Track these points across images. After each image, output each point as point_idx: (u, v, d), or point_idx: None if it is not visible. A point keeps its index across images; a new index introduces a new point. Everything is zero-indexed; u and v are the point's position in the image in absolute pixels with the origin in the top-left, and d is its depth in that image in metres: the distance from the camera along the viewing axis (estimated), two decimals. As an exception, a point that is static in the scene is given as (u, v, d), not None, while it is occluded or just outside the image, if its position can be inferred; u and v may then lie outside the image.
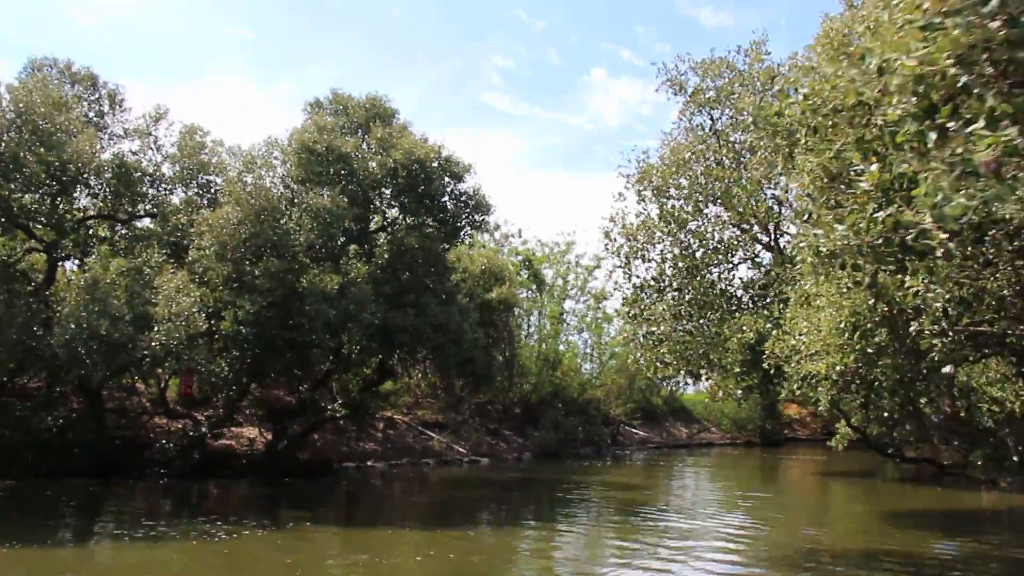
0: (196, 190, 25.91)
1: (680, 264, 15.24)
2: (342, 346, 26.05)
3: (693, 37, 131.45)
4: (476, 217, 26.99)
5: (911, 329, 10.56)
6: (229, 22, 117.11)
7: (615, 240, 16.56)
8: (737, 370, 13.70)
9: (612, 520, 20.33)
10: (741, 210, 15.08)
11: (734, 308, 14.95)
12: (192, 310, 20.50)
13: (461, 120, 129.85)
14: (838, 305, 10.65)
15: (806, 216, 7.31)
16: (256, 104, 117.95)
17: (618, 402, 48.59)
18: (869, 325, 10.37)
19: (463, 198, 26.72)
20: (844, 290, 10.35)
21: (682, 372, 16.10)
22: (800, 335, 12.41)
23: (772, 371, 13.40)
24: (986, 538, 19.83)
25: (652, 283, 15.36)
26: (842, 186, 7.08)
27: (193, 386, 26.06)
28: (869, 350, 10.80)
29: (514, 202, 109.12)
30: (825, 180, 7.17)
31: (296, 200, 24.52)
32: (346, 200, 24.32)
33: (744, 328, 13.69)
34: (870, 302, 10.15)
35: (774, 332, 13.82)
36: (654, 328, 16.10)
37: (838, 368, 11.46)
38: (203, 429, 26.75)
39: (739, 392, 14.14)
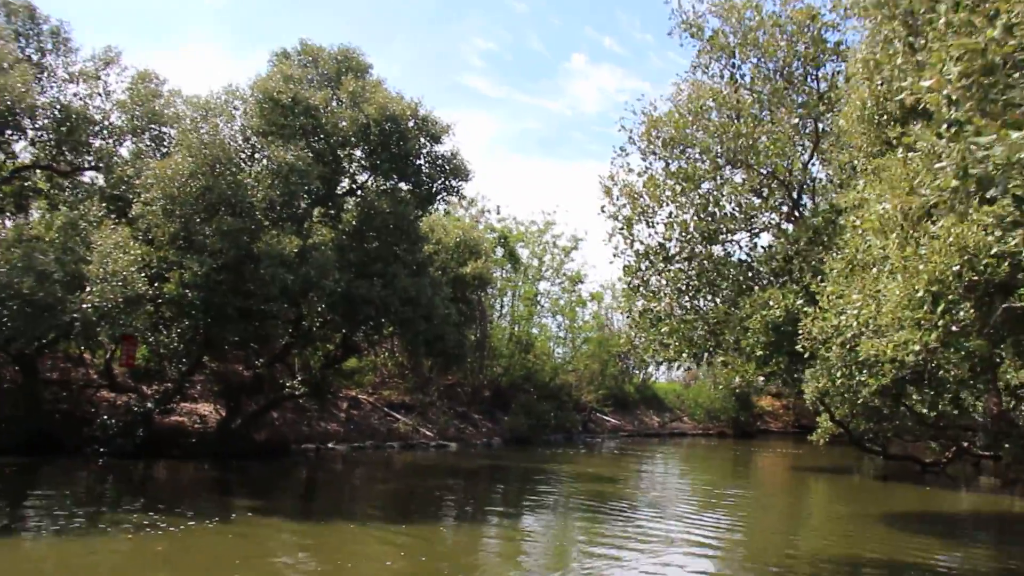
0: (148, 142, 23.14)
1: (692, 230, 12.81)
2: (302, 317, 23.43)
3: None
4: (453, 183, 24.37)
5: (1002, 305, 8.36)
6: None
7: (615, 201, 14.06)
8: (759, 353, 11.31)
9: (583, 519, 18.00)
10: (765, 171, 12.74)
11: (752, 282, 12.61)
12: (130, 269, 17.78)
13: (439, 101, 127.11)
14: (912, 271, 8.39)
15: (946, 125, 5.05)
16: (229, 77, 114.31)
17: (590, 388, 46.33)
18: (952, 296, 8.14)
19: (440, 161, 24.11)
20: (924, 251, 8.11)
21: (684, 355, 13.66)
22: (846, 311, 10.12)
23: (807, 354, 11.01)
24: (977, 544, 17.97)
25: (658, 250, 12.97)
26: (1010, 78, 4.82)
27: (135, 356, 23.20)
28: (953, 327, 8.57)
29: (490, 185, 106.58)
30: (978, 72, 4.90)
31: (256, 154, 21.84)
32: (311, 156, 21.67)
33: (770, 304, 11.29)
34: (954, 268, 7.90)
35: (808, 309, 11.49)
36: (654, 304, 13.73)
37: (914, 347, 9.14)
38: (148, 405, 24.00)
39: (760, 379, 11.76)
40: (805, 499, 25.23)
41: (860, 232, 9.96)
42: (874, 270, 9.59)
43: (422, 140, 23.57)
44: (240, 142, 21.95)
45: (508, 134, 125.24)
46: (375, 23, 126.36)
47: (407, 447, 32.47)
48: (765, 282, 12.29)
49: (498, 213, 40.06)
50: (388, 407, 35.83)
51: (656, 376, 56.65)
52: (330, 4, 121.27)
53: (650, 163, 14.29)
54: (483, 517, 18.68)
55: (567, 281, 44.91)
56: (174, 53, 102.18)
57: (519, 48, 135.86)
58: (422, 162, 23.90)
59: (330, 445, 30.06)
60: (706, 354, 13.34)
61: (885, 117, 9.63)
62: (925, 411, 25.43)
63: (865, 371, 10.74)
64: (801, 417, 54.73)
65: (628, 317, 14.82)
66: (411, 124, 23.42)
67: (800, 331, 10.84)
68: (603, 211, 13.84)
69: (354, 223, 23.44)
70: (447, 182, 24.22)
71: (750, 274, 12.22)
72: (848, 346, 9.84)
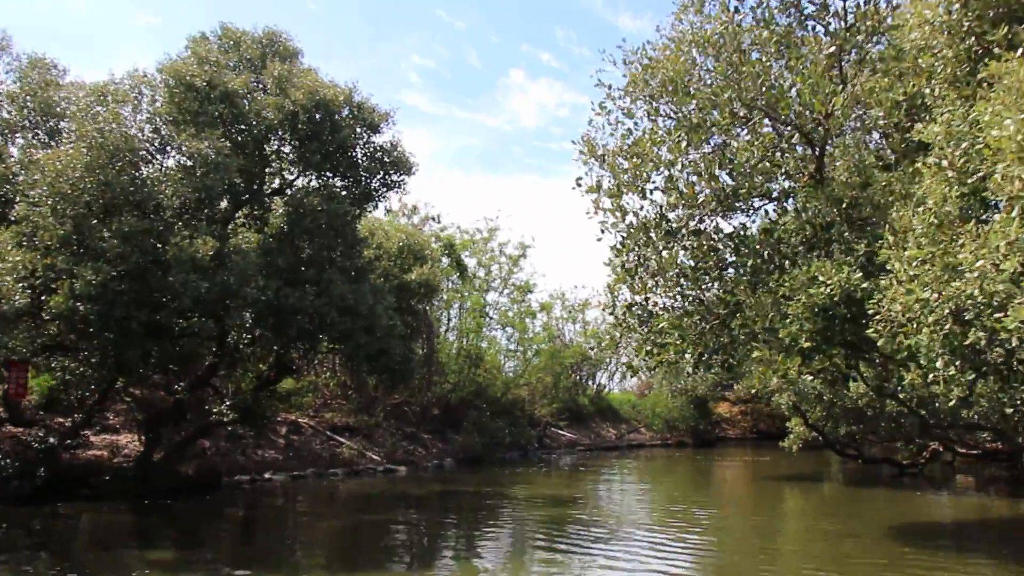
0: (44, 137, 19.71)
1: (701, 196, 9.91)
2: (226, 333, 20.09)
3: (613, 41, 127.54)
4: (394, 177, 21.21)
5: None
6: (138, 8, 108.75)
7: (592, 169, 11.18)
8: (804, 345, 8.48)
9: (544, 558, 14.96)
10: (789, 120, 9.91)
11: (782, 258, 9.77)
12: (7, 279, 14.36)
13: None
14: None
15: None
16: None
17: (543, 402, 43.39)
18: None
19: (378, 153, 20.97)
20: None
21: (687, 356, 10.72)
22: (924, 285, 7.38)
23: (880, 340, 8.19)
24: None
25: (658, 222, 10.16)
26: None
27: (25, 385, 19.56)
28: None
29: (431, 201, 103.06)
30: None
31: (167, 147, 18.52)
32: (231, 147, 18.44)
33: (819, 280, 8.42)
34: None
35: (866, 284, 8.61)
36: (645, 295, 10.88)
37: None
38: (52, 440, 20.44)
39: (808, 377, 8.91)
40: (786, 517, 22.44)
41: (950, 175, 7.30)
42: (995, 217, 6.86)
43: (358, 130, 20.44)
44: (147, 133, 18.56)
45: (448, 150, 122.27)
46: (312, 42, 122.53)
47: (352, 473, 29.16)
48: (797, 256, 9.60)
49: (439, 222, 36.87)
50: (331, 431, 32.48)
51: (610, 387, 53.96)
52: (266, 22, 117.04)
53: (640, 118, 11.50)
54: (435, 559, 15.59)
55: (516, 291, 41.93)
56: (103, 73, 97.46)
57: (457, 64, 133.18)
58: (358, 154, 20.74)
59: (267, 476, 26.67)
60: (716, 354, 10.49)
61: (977, 22, 7.04)
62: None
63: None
64: (759, 423, 52.38)
65: (611, 314, 11.81)
66: (345, 112, 20.30)
67: (872, 311, 8.03)
68: (579, 184, 10.81)
69: (283, 226, 20.21)
70: (387, 176, 21.06)
71: (781, 247, 9.50)
72: (949, 325, 7.14)
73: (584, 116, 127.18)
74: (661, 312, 11.03)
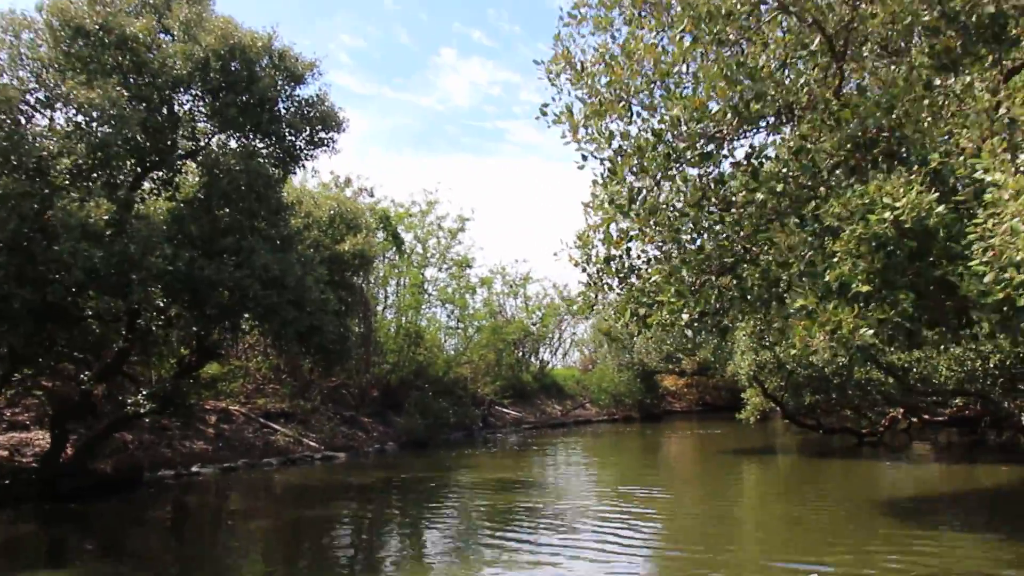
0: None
1: (719, 107, 7.77)
2: (137, 314, 17.43)
3: (545, 21, 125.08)
4: (322, 134, 18.65)
5: None
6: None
7: (563, 90, 8.80)
8: (863, 289, 6.42)
9: (488, 554, 12.76)
10: (810, 18, 7.77)
11: (819, 184, 7.63)
12: None
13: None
14: None
15: None
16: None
17: (486, 380, 41.15)
18: None
19: (304, 108, 18.40)
20: None
21: (683, 316, 8.54)
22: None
23: (977, 282, 6.17)
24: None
25: (654, 145, 7.99)
26: None
27: None
28: None
29: (364, 173, 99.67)
30: None
31: (54, 99, 15.72)
32: (128, 96, 15.74)
33: (881, 202, 6.21)
34: None
35: (941, 209, 6.46)
36: (628, 243, 8.70)
37: None
38: (-63, 439, 17.63)
39: (868, 333, 6.70)
40: (745, 495, 20.58)
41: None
42: None
43: (279, 81, 17.84)
44: (29, 84, 15.74)
45: (380, 132, 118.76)
46: (241, 20, 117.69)
47: (288, 462, 26.66)
48: (832, 180, 7.43)
49: (372, 196, 34.17)
50: (265, 417, 29.87)
51: (553, 363, 52.00)
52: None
53: (621, 28, 9.12)
54: (380, 560, 13.29)
55: (455, 266, 39.55)
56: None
57: (388, 44, 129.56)
58: (281, 109, 18.15)
59: (195, 469, 24.06)
60: (720, 313, 8.28)
61: None
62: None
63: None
64: (705, 395, 50.85)
65: (584, 271, 9.58)
66: (264, 62, 17.69)
67: (974, 238, 5.87)
68: (544, 114, 8.57)
69: (199, 193, 17.57)
70: (314, 134, 18.49)
71: (816, 171, 7.37)
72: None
73: (517, 94, 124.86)
74: (648, 265, 8.87)
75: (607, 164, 8.07)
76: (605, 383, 45.66)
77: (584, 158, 7.99)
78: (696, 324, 8.73)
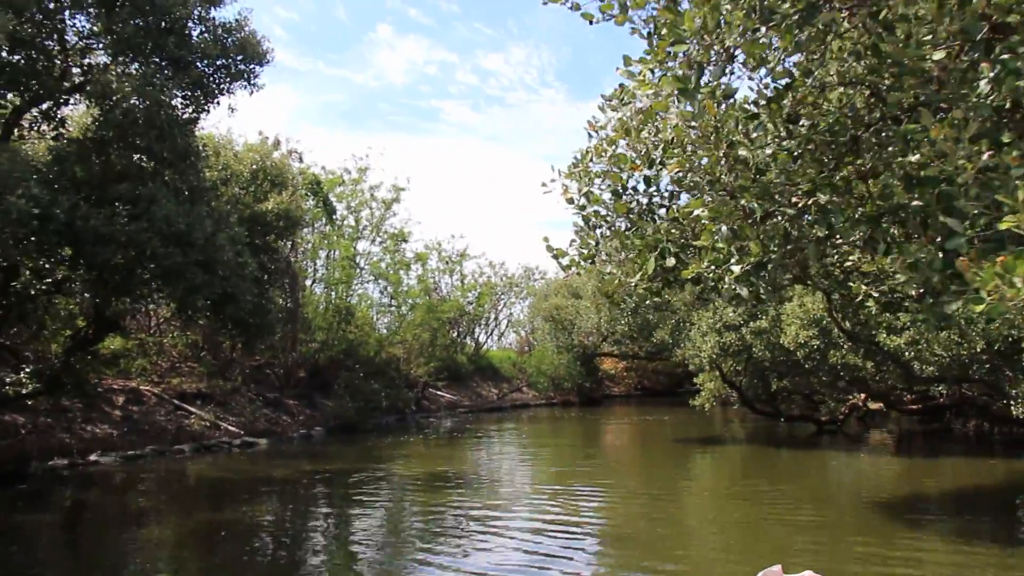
0: None
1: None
2: (13, 274, 14.09)
3: (483, 0, 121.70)
4: (241, 66, 15.43)
5: None
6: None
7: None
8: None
9: (418, 566, 10.04)
10: None
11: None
12: None
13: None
14: None
15: None
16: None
17: (420, 361, 38.03)
18: None
19: (220, 34, 15.17)
20: None
21: (741, 269, 6.09)
22: None
23: None
24: None
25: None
26: None
27: None
28: None
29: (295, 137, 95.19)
30: None
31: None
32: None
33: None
34: None
35: None
36: (680, 157, 6.12)
37: None
38: None
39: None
40: (710, 491, 18.15)
41: None
42: None
43: (191, 1, 14.61)
44: None
45: (312, 107, 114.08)
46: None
47: (203, 449, 23.43)
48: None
49: (302, 161, 30.77)
50: (179, 399, 26.51)
51: (489, 344, 49.17)
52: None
53: None
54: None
55: (389, 240, 36.43)
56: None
57: (323, 19, 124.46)
58: (192, 34, 14.91)
59: (93, 457, 20.74)
60: (786, 260, 5.81)
61: None
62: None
63: None
64: (644, 379, 48.60)
65: (580, 208, 6.82)
66: (172, -23, 14.46)
67: None
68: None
69: (90, 133, 14.28)
70: (232, 66, 15.28)
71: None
72: None
73: (454, 74, 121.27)
74: (688, 191, 6.19)
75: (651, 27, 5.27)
76: (544, 366, 42.94)
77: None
78: (751, 278, 5.98)
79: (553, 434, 31.20)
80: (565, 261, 7.78)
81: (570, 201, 7.33)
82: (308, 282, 34.08)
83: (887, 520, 13.03)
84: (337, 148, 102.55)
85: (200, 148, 15.57)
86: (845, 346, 19.93)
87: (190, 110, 15.04)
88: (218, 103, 15.33)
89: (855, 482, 17.63)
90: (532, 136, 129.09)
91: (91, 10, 14.24)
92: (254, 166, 18.88)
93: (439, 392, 39.56)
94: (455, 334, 45.02)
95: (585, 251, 7.60)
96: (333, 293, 34.21)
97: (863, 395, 26.19)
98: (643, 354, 42.82)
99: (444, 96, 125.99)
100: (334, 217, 30.19)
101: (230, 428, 25.76)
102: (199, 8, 14.77)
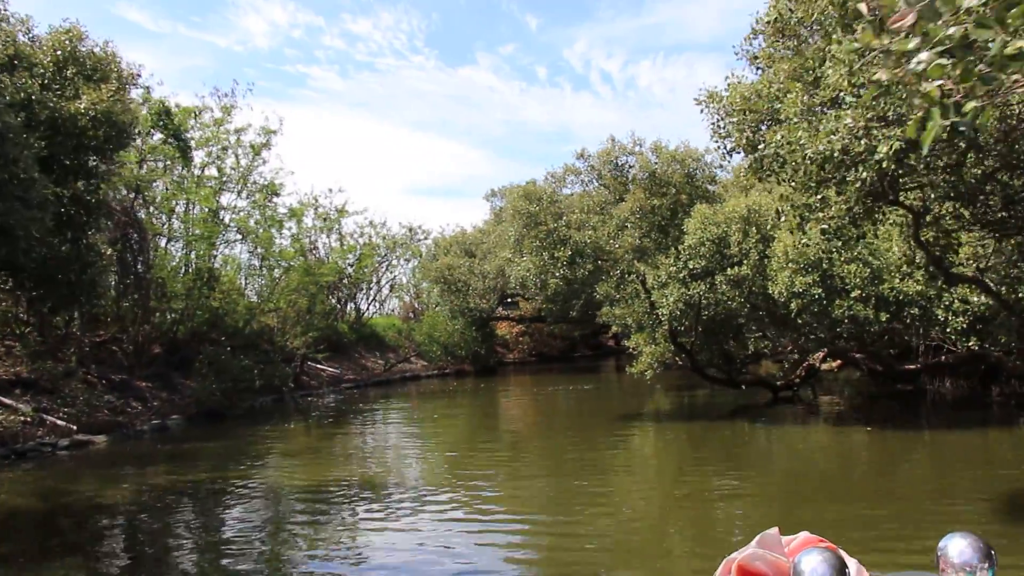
0: None
1: None
2: None
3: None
4: None
5: None
6: None
7: None
8: None
9: None
10: None
11: None
12: None
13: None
14: None
15: None
16: None
17: (296, 331, 31.41)
18: None
19: None
20: None
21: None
22: None
23: None
24: None
25: None
26: None
27: None
28: None
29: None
30: None
31: None
32: None
33: None
34: None
35: None
36: None
37: None
38: None
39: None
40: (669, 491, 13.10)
41: None
42: None
43: None
44: None
45: (172, 72, 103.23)
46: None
47: (14, 456, 16.78)
48: None
49: (145, 89, 23.43)
50: (-8, 386, 19.67)
51: (370, 312, 42.83)
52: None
53: None
54: None
55: (259, 193, 29.73)
56: None
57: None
58: None
59: None
60: None
61: None
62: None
63: None
64: (541, 346, 43.39)
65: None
66: None
67: None
68: None
69: None
70: None
71: None
72: None
73: (320, 39, 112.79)
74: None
75: None
76: (437, 332, 36.92)
77: None
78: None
79: (454, 411, 25.49)
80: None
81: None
82: (162, 241, 27.17)
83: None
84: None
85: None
86: (854, 294, 15.04)
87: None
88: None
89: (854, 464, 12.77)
90: (402, 103, 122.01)
91: None
92: (59, 52, 12.33)
93: (320, 365, 33.25)
94: (334, 300, 38.61)
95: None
96: (193, 254, 27.45)
97: (821, 354, 21.75)
98: (547, 315, 37.38)
99: (311, 61, 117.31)
100: (189, 156, 23.29)
101: (58, 423, 19.07)
102: None
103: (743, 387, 21.57)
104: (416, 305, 44.80)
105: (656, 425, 19.41)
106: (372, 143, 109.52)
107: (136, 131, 13.78)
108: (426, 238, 43.99)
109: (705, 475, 13.16)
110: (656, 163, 18.47)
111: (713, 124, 10.22)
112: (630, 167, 19.19)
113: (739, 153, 9.85)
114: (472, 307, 35.69)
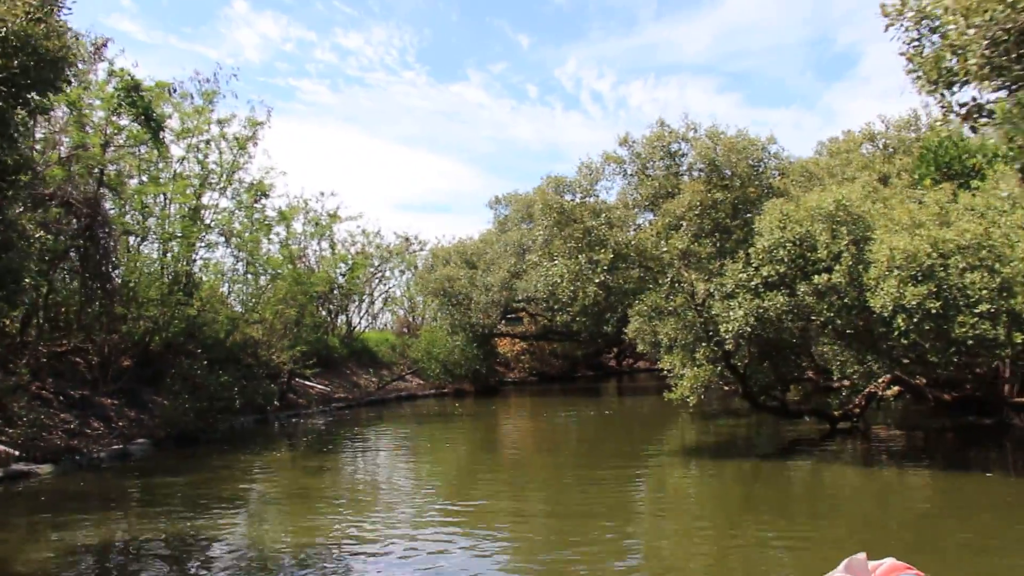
0: None
1: None
2: None
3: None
4: None
5: None
6: None
7: None
8: None
9: None
10: None
11: None
12: None
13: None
14: None
15: None
16: None
17: (283, 344, 27.74)
18: None
19: None
20: None
21: None
22: None
23: None
24: None
25: None
26: None
27: None
28: None
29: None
30: None
31: None
32: None
33: None
34: None
35: None
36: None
37: None
38: None
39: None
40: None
41: None
42: None
43: None
44: None
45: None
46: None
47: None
48: None
49: (119, 71, 19.72)
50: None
51: (361, 326, 39.12)
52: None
53: None
54: None
55: (245, 194, 26.16)
56: None
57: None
58: None
59: None
60: None
61: None
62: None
63: None
64: (542, 364, 39.83)
65: None
66: None
67: None
68: None
69: None
70: None
71: None
72: None
73: (312, 52, 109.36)
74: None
75: None
76: (436, 349, 33.25)
77: None
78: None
79: (465, 440, 21.89)
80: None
81: None
82: (134, 240, 23.56)
83: None
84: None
85: None
86: (979, 308, 11.70)
87: None
88: None
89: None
90: (392, 118, 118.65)
91: None
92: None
93: (308, 382, 29.62)
94: (324, 313, 35.02)
95: None
96: (170, 256, 23.85)
97: (885, 379, 18.41)
98: (580, 329, 33.55)
99: (301, 75, 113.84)
100: (161, 139, 19.73)
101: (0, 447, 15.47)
102: None
103: (806, 417, 18.18)
104: (411, 319, 41.25)
105: (698, 460, 16.00)
106: (361, 157, 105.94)
107: (72, 70, 10.24)
108: (422, 249, 40.47)
109: (760, 521, 9.85)
110: (717, 151, 15.20)
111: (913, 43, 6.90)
112: (682, 155, 15.92)
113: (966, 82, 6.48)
114: (474, 322, 32.16)
